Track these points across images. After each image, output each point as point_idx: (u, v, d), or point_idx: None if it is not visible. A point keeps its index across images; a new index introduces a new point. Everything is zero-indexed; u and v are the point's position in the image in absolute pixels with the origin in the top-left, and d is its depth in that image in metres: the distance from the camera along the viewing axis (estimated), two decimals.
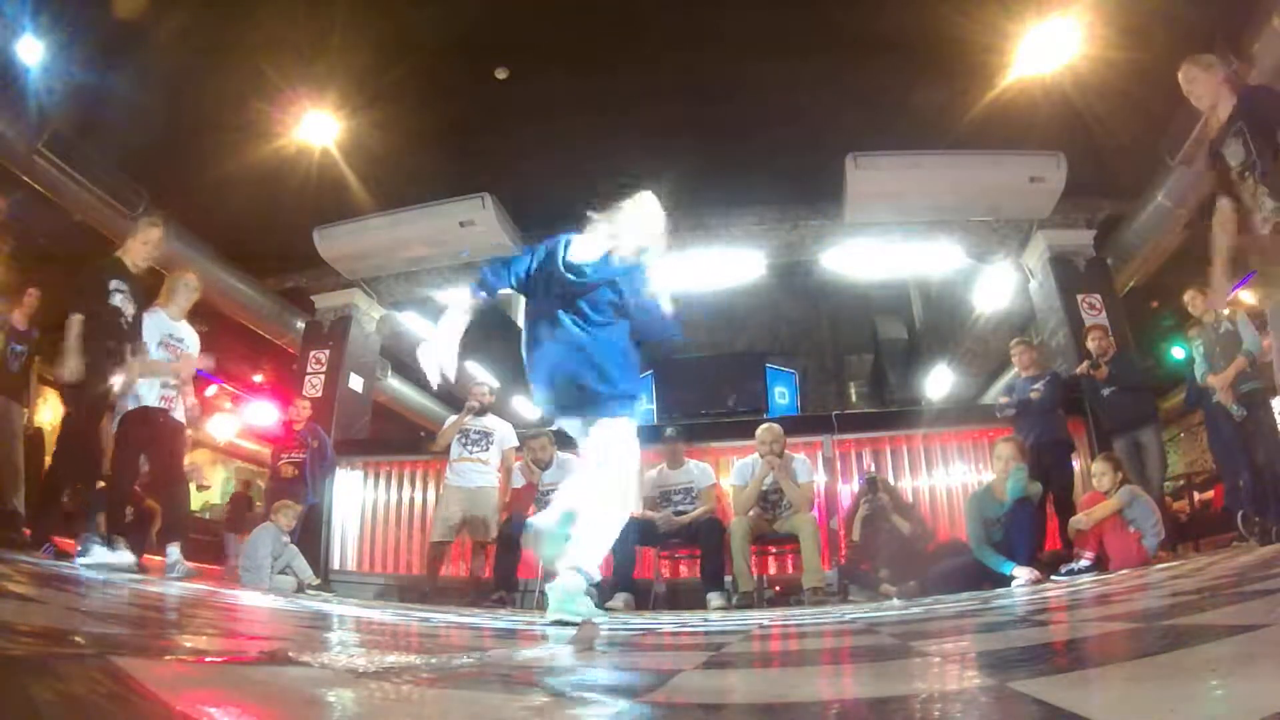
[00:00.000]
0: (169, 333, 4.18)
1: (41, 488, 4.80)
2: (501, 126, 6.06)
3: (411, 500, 6.42)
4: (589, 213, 2.49)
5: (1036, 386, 5.25)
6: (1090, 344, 5.32)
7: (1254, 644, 0.97)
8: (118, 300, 3.93)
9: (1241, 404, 4.62)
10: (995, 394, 7.10)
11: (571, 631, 1.87)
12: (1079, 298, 6.44)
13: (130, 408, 3.93)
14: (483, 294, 2.49)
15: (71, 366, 3.70)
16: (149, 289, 4.27)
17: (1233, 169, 2.94)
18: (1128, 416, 5.09)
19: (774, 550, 5.39)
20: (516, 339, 2.51)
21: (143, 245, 4.16)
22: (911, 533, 4.80)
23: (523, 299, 2.59)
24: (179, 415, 4.16)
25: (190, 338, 4.33)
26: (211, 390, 11.75)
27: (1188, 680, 0.80)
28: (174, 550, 3.98)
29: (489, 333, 6.73)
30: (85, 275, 3.99)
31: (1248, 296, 5.86)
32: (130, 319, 3.97)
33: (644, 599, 4.86)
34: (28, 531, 4.45)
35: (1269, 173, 2.75)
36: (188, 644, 1.23)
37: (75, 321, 3.75)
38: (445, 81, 5.55)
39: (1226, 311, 4.51)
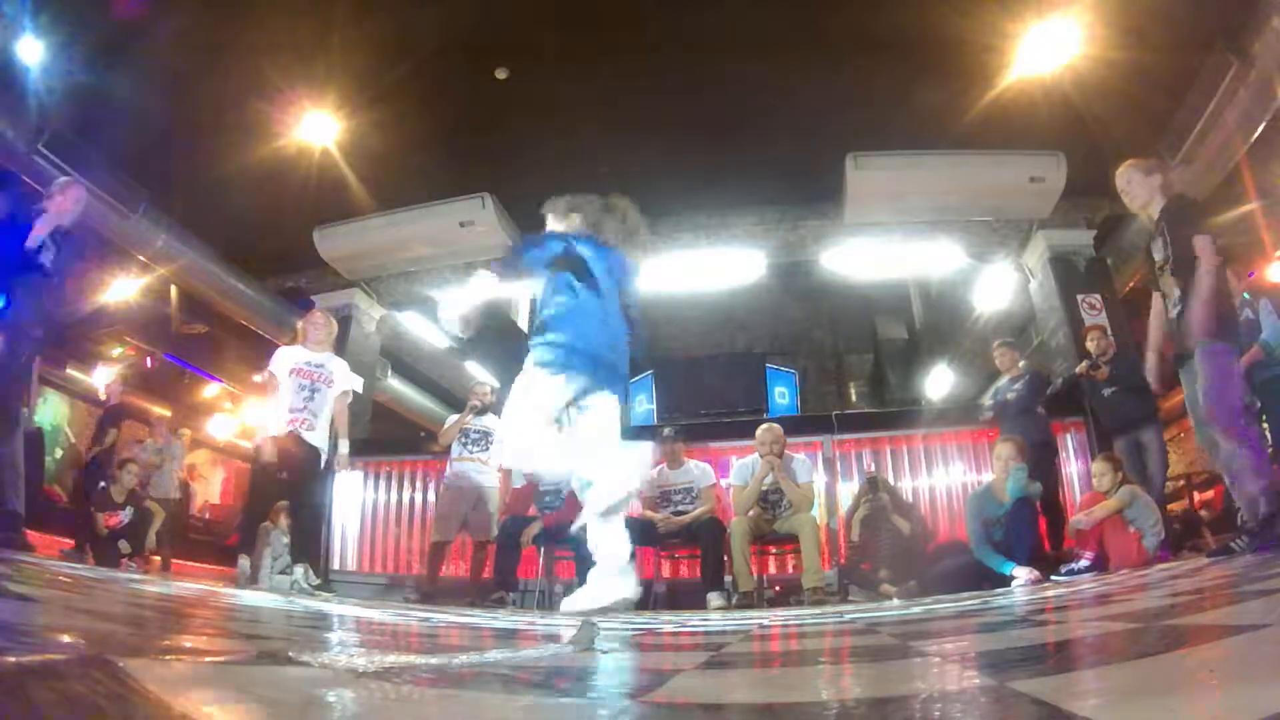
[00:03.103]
0: (305, 361, 4.52)
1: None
2: (501, 126, 6.05)
3: (411, 500, 6.42)
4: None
5: (1016, 387, 5.25)
6: (1090, 344, 5.30)
7: (1254, 644, 0.97)
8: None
9: (1257, 394, 4.30)
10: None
11: (572, 630, 1.86)
12: (1079, 298, 6.44)
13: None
14: (511, 271, 2.53)
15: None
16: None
17: (1156, 263, 3.47)
18: (1129, 416, 5.07)
19: (774, 550, 5.39)
20: (517, 340, 2.52)
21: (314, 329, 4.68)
22: (911, 533, 4.80)
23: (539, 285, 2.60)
24: (314, 440, 4.45)
25: (332, 365, 4.65)
26: (213, 390, 11.77)
27: (1188, 680, 0.80)
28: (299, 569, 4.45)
29: (489, 333, 6.73)
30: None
31: (1276, 275, 5.79)
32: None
33: (644, 599, 4.86)
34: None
35: (1178, 269, 3.26)
36: (188, 644, 1.23)
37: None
38: (445, 81, 5.55)
39: (1248, 296, 4.54)
